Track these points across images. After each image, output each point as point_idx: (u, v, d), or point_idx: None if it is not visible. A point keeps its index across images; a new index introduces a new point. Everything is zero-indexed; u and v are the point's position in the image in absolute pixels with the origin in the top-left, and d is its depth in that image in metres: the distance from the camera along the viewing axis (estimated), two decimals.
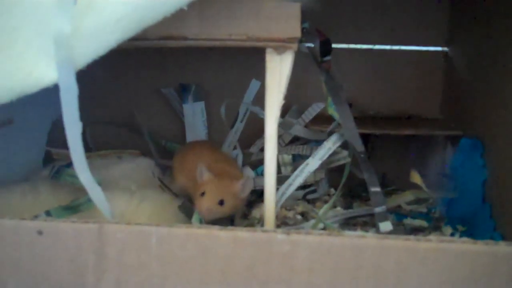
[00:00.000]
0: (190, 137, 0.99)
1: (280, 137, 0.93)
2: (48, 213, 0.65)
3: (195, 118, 0.99)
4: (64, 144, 0.51)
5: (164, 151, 0.97)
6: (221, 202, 0.70)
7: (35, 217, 0.64)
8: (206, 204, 0.69)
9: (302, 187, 0.85)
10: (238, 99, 0.97)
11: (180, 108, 0.99)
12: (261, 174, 0.85)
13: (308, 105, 0.94)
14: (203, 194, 0.70)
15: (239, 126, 0.98)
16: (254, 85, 0.97)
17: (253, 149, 0.95)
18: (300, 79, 0.88)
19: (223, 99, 0.93)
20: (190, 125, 0.99)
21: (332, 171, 0.84)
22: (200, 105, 0.99)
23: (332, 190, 0.88)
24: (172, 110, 1.00)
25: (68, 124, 0.49)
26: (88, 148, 0.91)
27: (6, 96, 0.49)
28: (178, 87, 1.00)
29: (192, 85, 0.99)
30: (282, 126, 0.91)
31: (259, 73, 0.58)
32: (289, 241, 0.46)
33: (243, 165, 0.89)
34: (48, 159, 0.88)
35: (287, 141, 0.94)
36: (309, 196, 0.86)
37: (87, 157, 0.51)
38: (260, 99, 0.60)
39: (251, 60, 0.94)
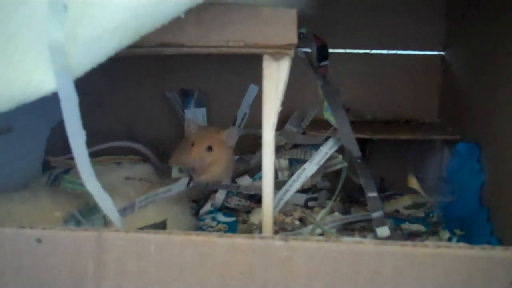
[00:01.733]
0: None
1: (282, 146, 0.93)
2: (80, 212, 0.68)
3: None
4: (63, 150, 0.51)
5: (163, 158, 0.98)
6: (209, 148, 0.80)
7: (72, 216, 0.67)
8: (195, 151, 0.78)
9: (302, 191, 0.85)
10: (236, 105, 0.97)
11: (182, 113, 0.99)
12: (259, 180, 0.85)
13: (307, 110, 0.95)
14: (193, 144, 0.78)
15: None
16: (252, 90, 0.98)
17: (252, 161, 0.95)
18: (298, 84, 0.88)
19: (222, 104, 0.94)
20: None
21: (330, 177, 0.84)
22: (202, 111, 0.99)
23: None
24: (172, 115, 1.01)
25: (71, 132, 0.49)
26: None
27: (5, 104, 0.49)
28: (180, 92, 1.00)
29: (195, 91, 0.99)
30: (283, 135, 0.91)
31: (258, 78, 0.58)
32: (287, 247, 0.46)
33: (242, 173, 0.89)
34: (47, 166, 0.88)
35: (288, 149, 0.94)
36: (310, 203, 0.86)
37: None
38: (258, 104, 0.60)
39: (250, 65, 0.94)
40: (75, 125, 0.49)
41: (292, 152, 0.87)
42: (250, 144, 0.96)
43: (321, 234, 0.73)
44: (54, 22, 0.47)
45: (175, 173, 0.79)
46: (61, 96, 0.48)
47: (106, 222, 0.61)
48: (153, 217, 0.70)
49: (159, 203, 0.73)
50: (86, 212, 0.67)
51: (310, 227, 0.74)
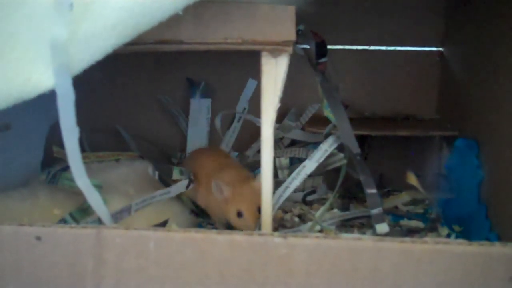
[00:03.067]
0: (191, 133, 0.99)
1: (280, 140, 0.93)
2: (71, 215, 0.68)
3: (200, 114, 0.99)
4: (62, 147, 0.51)
5: (161, 155, 0.98)
6: (258, 210, 0.68)
7: (62, 221, 0.67)
8: (253, 224, 0.69)
9: (301, 190, 0.86)
10: (235, 101, 0.98)
11: (177, 114, 0.99)
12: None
13: (305, 107, 0.95)
14: (239, 214, 0.70)
15: (236, 126, 0.99)
16: (251, 84, 0.98)
17: (249, 152, 0.95)
18: (297, 81, 0.89)
19: (221, 99, 0.94)
20: (194, 120, 0.99)
21: (329, 173, 0.84)
22: (207, 102, 0.99)
23: (330, 193, 0.88)
24: (169, 114, 1.01)
25: (65, 129, 0.49)
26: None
27: (3, 102, 0.49)
28: (186, 82, 1.00)
29: (202, 81, 0.99)
30: (281, 129, 0.91)
31: (257, 72, 0.58)
32: (286, 244, 0.46)
33: None
34: (46, 163, 0.88)
35: (286, 145, 0.94)
36: (309, 198, 0.86)
37: (85, 158, 0.51)
38: (257, 99, 0.60)
39: (249, 60, 0.94)
40: (70, 122, 0.49)
41: (293, 150, 0.87)
42: (249, 140, 0.96)
43: (320, 231, 0.73)
44: (58, 20, 0.47)
45: (176, 174, 0.78)
46: (58, 93, 0.48)
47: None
48: (152, 214, 0.70)
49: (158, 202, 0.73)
50: (78, 215, 0.67)
51: (309, 224, 0.74)
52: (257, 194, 0.64)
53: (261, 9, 0.56)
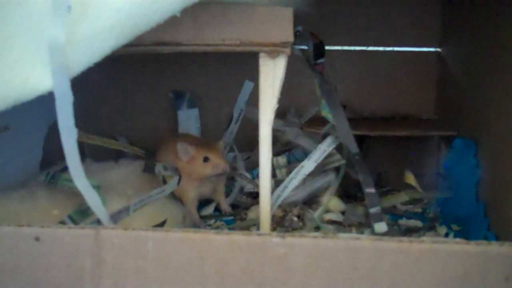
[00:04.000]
0: None
1: (279, 142, 0.93)
2: (70, 217, 0.68)
3: (189, 124, 0.99)
4: (60, 149, 0.51)
5: None
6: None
7: (61, 223, 0.67)
8: (221, 161, 0.77)
9: None
10: (232, 103, 0.98)
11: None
12: (257, 177, 0.85)
13: (303, 107, 0.95)
14: (206, 159, 0.77)
15: (234, 127, 0.99)
16: (248, 86, 0.98)
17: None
18: (295, 82, 0.89)
19: (218, 103, 0.93)
20: (184, 131, 0.99)
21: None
22: (194, 112, 1.00)
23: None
24: (167, 115, 1.01)
25: (63, 130, 0.49)
26: (84, 155, 0.91)
27: (2, 104, 0.49)
28: (172, 94, 1.00)
29: (187, 92, 0.99)
30: (281, 132, 0.91)
31: (254, 75, 0.59)
32: (284, 244, 0.46)
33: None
34: (45, 164, 0.88)
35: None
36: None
37: (90, 139, 0.49)
38: (254, 100, 0.60)
39: (246, 63, 0.94)
40: (68, 123, 0.49)
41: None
42: (246, 139, 0.96)
43: (317, 228, 0.73)
44: (56, 22, 0.47)
45: (159, 169, 0.79)
46: (56, 94, 0.48)
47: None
48: (150, 215, 0.70)
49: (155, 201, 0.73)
50: (77, 216, 0.67)
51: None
52: (220, 149, 0.78)
53: (259, 10, 0.56)
